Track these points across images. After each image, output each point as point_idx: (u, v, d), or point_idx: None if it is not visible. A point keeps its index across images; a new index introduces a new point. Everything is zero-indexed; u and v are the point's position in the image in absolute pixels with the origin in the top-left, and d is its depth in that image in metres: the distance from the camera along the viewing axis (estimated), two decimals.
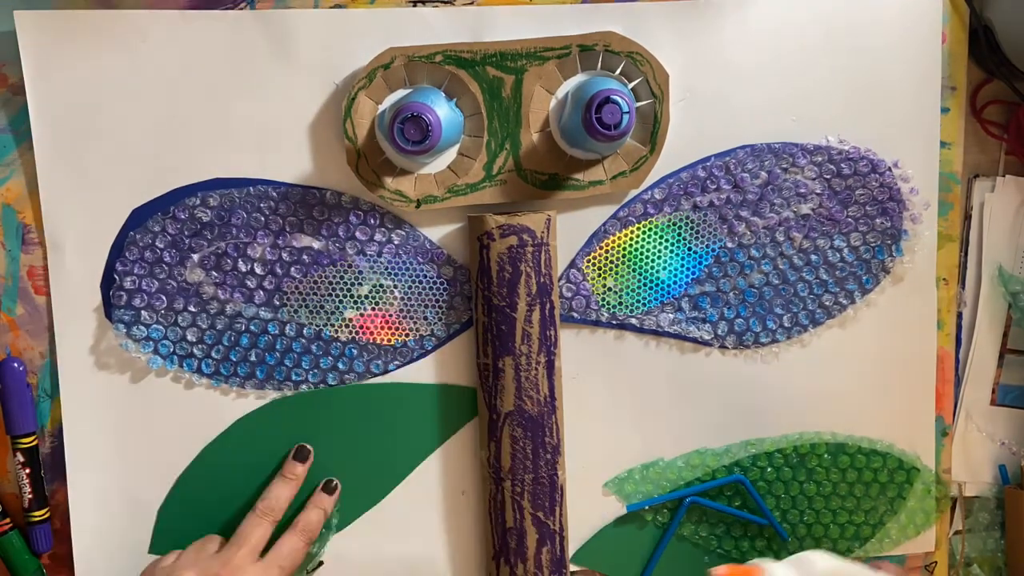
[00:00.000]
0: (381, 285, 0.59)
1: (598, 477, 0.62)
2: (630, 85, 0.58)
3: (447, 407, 0.60)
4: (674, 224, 0.60)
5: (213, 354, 0.59)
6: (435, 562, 0.62)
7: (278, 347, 0.59)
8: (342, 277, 0.59)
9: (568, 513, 0.60)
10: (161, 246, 0.58)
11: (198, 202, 0.58)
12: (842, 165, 0.60)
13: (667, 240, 0.60)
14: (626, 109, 0.52)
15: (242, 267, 0.58)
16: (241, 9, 0.57)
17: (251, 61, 0.57)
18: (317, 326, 0.59)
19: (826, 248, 0.61)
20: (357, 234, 0.59)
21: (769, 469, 0.62)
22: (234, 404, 0.59)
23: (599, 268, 0.60)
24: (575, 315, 0.60)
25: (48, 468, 0.59)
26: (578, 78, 0.58)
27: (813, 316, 0.61)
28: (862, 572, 0.45)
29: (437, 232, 0.59)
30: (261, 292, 0.58)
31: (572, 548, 0.62)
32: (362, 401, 0.60)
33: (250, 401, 0.59)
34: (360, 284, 0.59)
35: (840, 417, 0.63)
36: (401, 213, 0.59)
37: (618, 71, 0.58)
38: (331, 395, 0.60)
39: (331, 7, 0.57)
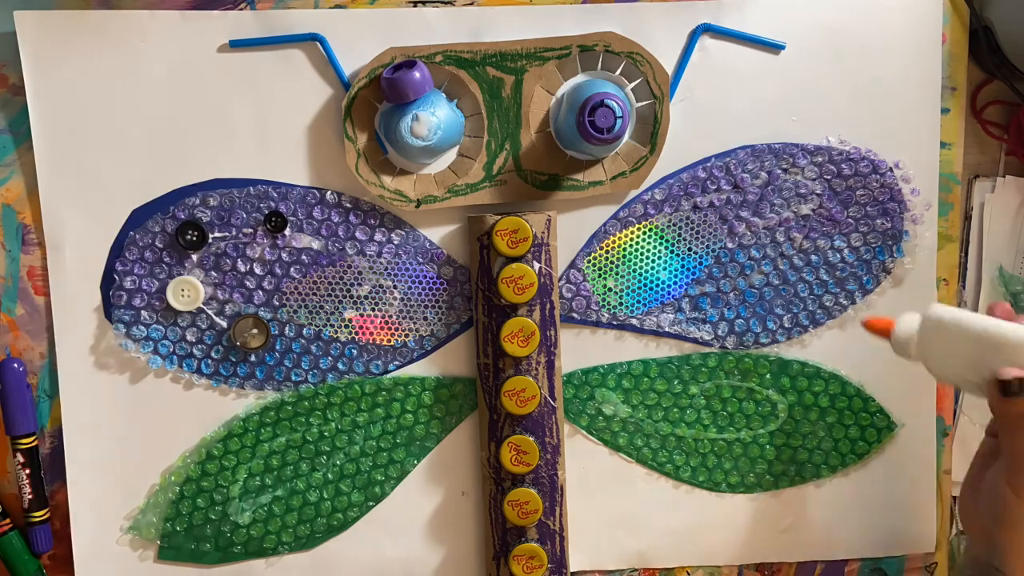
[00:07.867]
0: (381, 285, 0.59)
1: (598, 477, 0.62)
2: (630, 86, 0.58)
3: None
4: (674, 224, 0.60)
5: (213, 354, 0.59)
6: (435, 562, 0.62)
7: (278, 347, 0.59)
8: (342, 277, 0.59)
9: (568, 513, 0.60)
10: (161, 246, 0.58)
11: (198, 202, 0.58)
12: (842, 166, 0.60)
13: (667, 240, 0.60)
14: (619, 113, 0.52)
15: (241, 267, 0.58)
16: (241, 9, 0.57)
17: (251, 61, 0.57)
18: (317, 326, 0.59)
19: (826, 249, 0.61)
20: (357, 234, 0.59)
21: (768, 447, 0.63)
22: (234, 404, 0.59)
23: (599, 268, 0.60)
24: (575, 315, 0.60)
25: (48, 468, 0.59)
26: (577, 79, 0.58)
27: (813, 317, 0.61)
28: (978, 318, 0.47)
29: (437, 232, 0.59)
30: (260, 292, 0.58)
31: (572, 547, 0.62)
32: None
33: (250, 401, 0.60)
34: (360, 284, 0.59)
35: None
36: (401, 213, 0.59)
37: (618, 71, 0.58)
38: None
39: (331, 7, 0.57)
